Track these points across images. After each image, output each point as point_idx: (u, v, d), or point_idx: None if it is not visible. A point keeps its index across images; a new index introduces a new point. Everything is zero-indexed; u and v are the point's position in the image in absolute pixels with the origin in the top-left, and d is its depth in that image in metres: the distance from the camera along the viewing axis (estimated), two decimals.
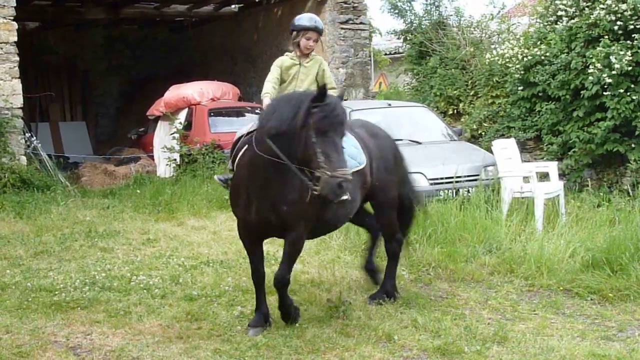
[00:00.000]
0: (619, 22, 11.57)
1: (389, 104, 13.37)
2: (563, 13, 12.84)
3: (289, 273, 6.36)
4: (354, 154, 6.53)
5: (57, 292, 7.51)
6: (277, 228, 6.24)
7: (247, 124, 16.84)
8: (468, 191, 10.66)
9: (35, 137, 15.82)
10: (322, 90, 5.72)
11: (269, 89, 6.84)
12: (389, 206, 7.15)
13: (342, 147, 5.75)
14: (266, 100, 6.67)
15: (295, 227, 6.17)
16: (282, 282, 6.30)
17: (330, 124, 5.64)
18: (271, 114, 5.93)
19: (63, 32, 23.78)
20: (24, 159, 14.39)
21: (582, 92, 11.87)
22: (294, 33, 7.06)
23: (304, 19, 7.16)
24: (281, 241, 9.69)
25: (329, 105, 5.68)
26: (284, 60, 7.07)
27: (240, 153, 6.43)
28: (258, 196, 6.12)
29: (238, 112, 17.02)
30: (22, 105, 14.50)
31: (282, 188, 6.02)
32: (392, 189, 7.12)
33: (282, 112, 5.81)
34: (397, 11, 17.66)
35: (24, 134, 14.79)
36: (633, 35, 11.44)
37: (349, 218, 6.91)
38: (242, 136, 6.68)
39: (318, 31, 7.07)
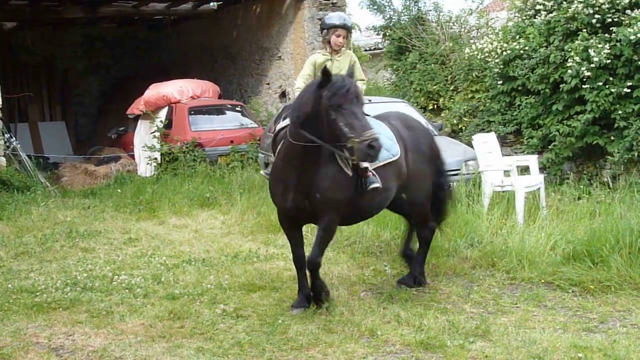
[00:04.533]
0: (596, 16, 11.64)
1: (369, 100, 13.36)
2: (541, 7, 12.90)
3: (321, 256, 6.73)
4: (388, 146, 6.80)
5: (38, 293, 7.46)
6: (311, 215, 6.67)
7: (228, 121, 16.75)
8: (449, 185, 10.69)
9: (14, 138, 15.71)
10: (324, 72, 6.15)
11: (300, 84, 7.28)
12: (422, 196, 7.46)
13: (364, 114, 6.20)
14: (297, 94, 7.04)
15: (328, 213, 6.57)
16: (313, 264, 6.68)
17: (341, 98, 6.06)
18: (295, 105, 6.49)
19: (41, 32, 23.59)
20: (3, 160, 14.29)
21: (561, 85, 11.94)
22: (325, 31, 7.52)
23: (334, 17, 7.61)
24: (264, 238, 9.72)
25: (335, 83, 6.12)
26: (317, 57, 7.54)
27: (279, 146, 6.86)
28: (294, 185, 6.55)
29: (218, 110, 16.99)
30: (1, 106, 14.38)
31: (315, 176, 6.47)
32: (426, 180, 7.45)
33: (300, 101, 6.41)
34: (376, 7, 17.66)
35: (3, 135, 14.68)
36: (611, 29, 11.52)
37: (383, 206, 7.25)
38: (280, 130, 7.07)
39: (347, 28, 7.56)
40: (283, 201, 6.69)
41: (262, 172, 7.54)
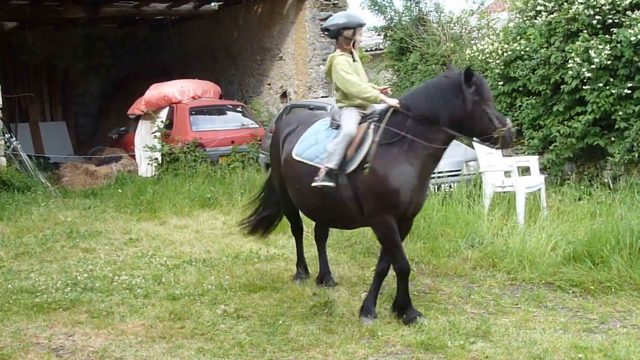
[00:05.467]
0: (597, 17, 11.63)
1: None
2: (542, 8, 12.89)
3: None
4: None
5: (38, 294, 7.47)
6: (413, 216, 6.79)
7: (229, 122, 16.60)
8: (450, 186, 10.69)
9: (15, 138, 15.70)
10: (470, 71, 6.26)
11: (371, 87, 6.88)
12: None
13: None
14: (385, 97, 6.73)
15: None
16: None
17: (489, 92, 6.46)
18: (436, 107, 6.31)
19: (42, 32, 23.59)
20: (3, 160, 14.28)
21: (562, 86, 11.93)
22: (350, 32, 6.98)
23: (350, 16, 7.19)
24: (265, 239, 9.61)
25: (479, 78, 6.36)
26: (347, 59, 7.01)
27: (373, 151, 6.43)
28: (421, 188, 6.51)
29: (219, 110, 16.99)
30: (1, 106, 14.38)
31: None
32: None
33: (447, 101, 6.31)
34: (377, 7, 17.64)
35: (4, 135, 14.67)
36: (612, 29, 11.50)
37: None
38: (352, 137, 6.63)
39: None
40: (407, 207, 6.47)
41: (319, 183, 6.56)
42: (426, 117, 6.35)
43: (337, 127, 6.77)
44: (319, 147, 6.78)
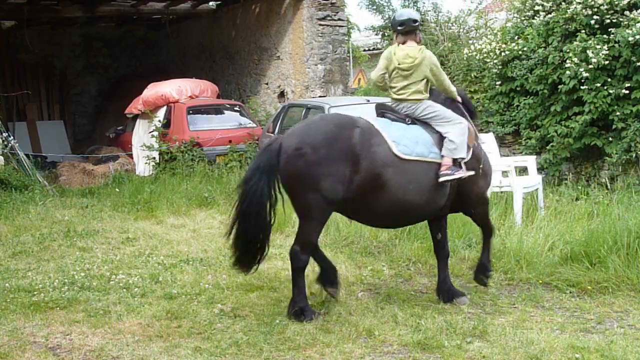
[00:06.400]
0: (595, 17, 11.65)
1: (368, 100, 13.36)
2: (540, 8, 12.92)
3: None
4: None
5: (35, 293, 7.45)
6: None
7: (227, 121, 16.57)
8: None
9: (12, 137, 15.68)
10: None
11: None
12: None
13: None
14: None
15: None
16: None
17: None
18: (470, 103, 7.55)
19: (39, 31, 23.55)
20: (1, 159, 14.25)
21: (559, 86, 11.96)
22: (420, 25, 7.23)
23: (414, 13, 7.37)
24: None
25: None
26: None
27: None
28: None
29: (217, 110, 16.98)
30: None
31: None
32: None
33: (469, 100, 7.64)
34: (375, 7, 17.67)
35: (1, 134, 14.65)
36: (609, 30, 11.52)
37: None
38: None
39: None
40: None
41: (461, 175, 6.69)
42: (470, 110, 7.27)
43: (412, 121, 6.87)
44: (423, 142, 6.73)
